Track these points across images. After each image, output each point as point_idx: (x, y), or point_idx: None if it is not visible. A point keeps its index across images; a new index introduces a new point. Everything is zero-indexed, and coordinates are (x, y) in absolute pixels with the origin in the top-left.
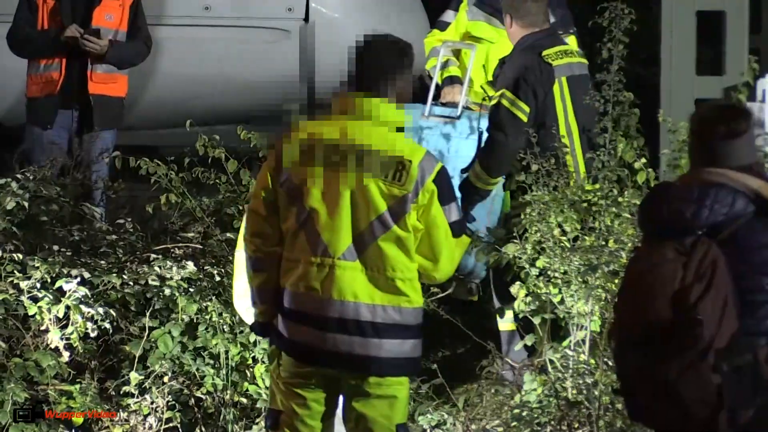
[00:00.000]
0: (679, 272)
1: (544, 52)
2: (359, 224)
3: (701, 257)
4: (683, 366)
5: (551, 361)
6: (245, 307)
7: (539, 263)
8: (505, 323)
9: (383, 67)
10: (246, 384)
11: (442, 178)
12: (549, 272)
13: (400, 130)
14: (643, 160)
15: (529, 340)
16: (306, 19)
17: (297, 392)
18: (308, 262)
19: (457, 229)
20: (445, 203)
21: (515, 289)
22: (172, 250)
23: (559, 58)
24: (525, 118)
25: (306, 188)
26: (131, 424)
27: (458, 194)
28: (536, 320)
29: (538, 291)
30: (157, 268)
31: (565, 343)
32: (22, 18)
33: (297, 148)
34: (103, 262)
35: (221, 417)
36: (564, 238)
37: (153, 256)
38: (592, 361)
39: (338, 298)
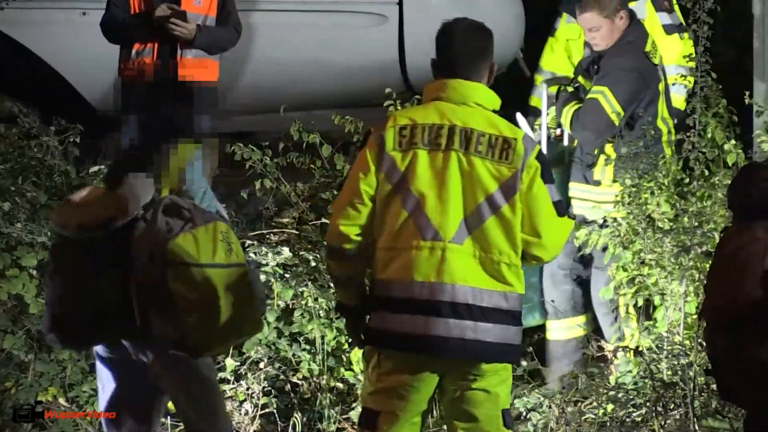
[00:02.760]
0: None
1: (647, 48)
2: (468, 206)
3: None
4: None
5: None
6: None
7: (635, 245)
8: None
9: (473, 50)
10: (342, 369)
11: (543, 157)
12: (643, 254)
13: (495, 113)
14: (733, 141)
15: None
16: (400, 3)
17: (399, 391)
18: (417, 247)
19: (561, 208)
20: (547, 182)
21: (612, 271)
22: (267, 236)
23: (654, 52)
24: (618, 122)
25: (413, 173)
26: (227, 410)
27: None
28: (631, 302)
29: (634, 273)
30: (252, 254)
31: (660, 325)
32: (115, 3)
33: (398, 134)
34: None
35: (317, 402)
36: (658, 219)
37: (248, 242)
38: (687, 341)
39: (449, 281)
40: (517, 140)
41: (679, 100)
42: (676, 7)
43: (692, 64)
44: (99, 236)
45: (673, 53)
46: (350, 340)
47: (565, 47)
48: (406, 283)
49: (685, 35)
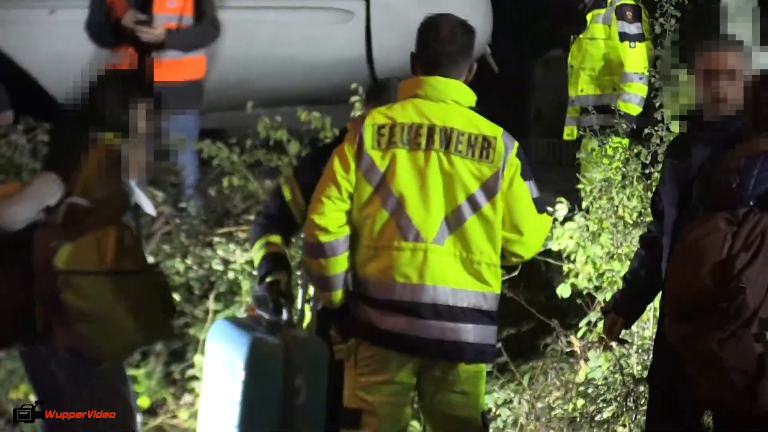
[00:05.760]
0: (727, 242)
1: None
2: (449, 206)
3: (751, 227)
4: (726, 335)
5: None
6: None
7: (602, 240)
8: None
9: (458, 48)
10: None
11: (522, 155)
12: (611, 249)
13: (472, 110)
14: None
15: (593, 316)
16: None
17: (380, 386)
18: (399, 248)
19: (540, 205)
20: (526, 179)
21: (580, 265)
22: (235, 234)
23: None
24: None
25: (393, 173)
26: (197, 408)
27: None
28: (600, 296)
29: (603, 268)
30: (220, 252)
31: None
32: (95, 5)
33: (377, 132)
34: (166, 246)
35: None
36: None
37: (216, 239)
38: None
39: (431, 283)
40: (496, 138)
41: (632, 107)
42: (644, 18)
43: (645, 71)
44: None
45: (631, 60)
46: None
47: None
48: (387, 284)
49: (642, 44)
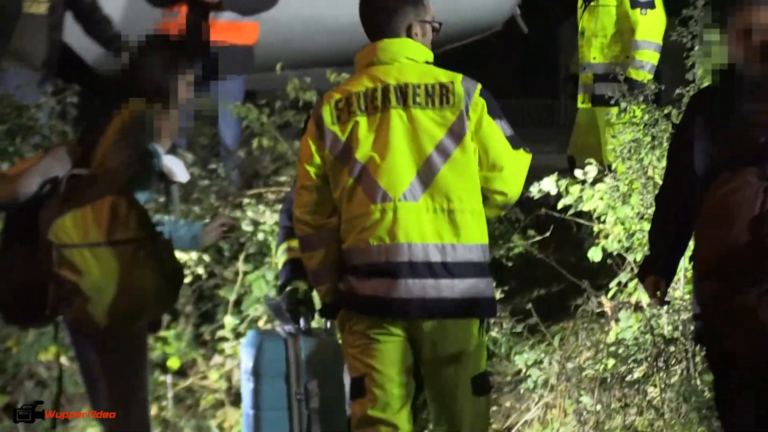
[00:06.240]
0: (759, 197)
1: None
2: (418, 160)
3: None
4: (763, 290)
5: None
6: None
7: (632, 201)
8: None
9: (389, 7)
10: None
11: (487, 94)
12: (641, 209)
13: (429, 64)
14: None
15: (624, 277)
16: None
17: (377, 349)
18: (369, 212)
19: (514, 142)
20: (496, 117)
21: (610, 226)
22: (264, 195)
23: None
24: None
25: (355, 141)
26: (227, 368)
27: None
28: (630, 257)
29: (632, 229)
30: (250, 213)
31: None
32: None
33: (335, 108)
34: (196, 207)
35: None
36: (656, 175)
37: (246, 200)
38: (688, 296)
39: (405, 240)
40: (454, 82)
41: (643, 75)
42: None
43: (659, 39)
44: (10, 211)
45: (642, 28)
46: None
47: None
48: (362, 249)
49: (654, 11)
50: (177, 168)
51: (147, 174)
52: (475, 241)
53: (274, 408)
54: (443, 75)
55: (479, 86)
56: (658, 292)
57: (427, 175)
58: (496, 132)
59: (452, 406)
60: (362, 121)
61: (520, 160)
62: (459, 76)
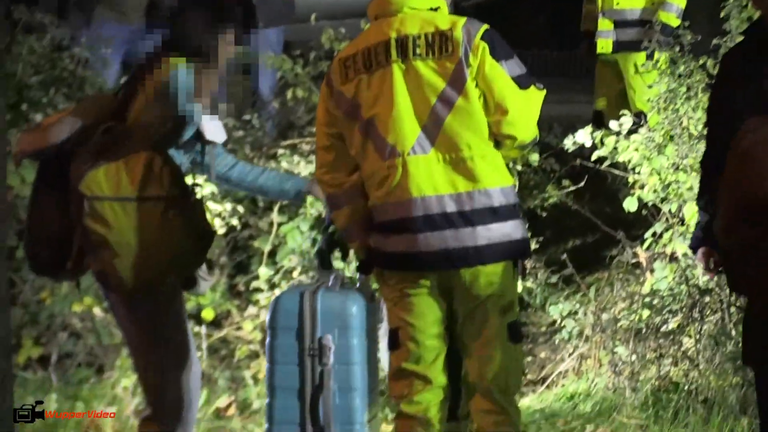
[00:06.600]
0: None
1: None
2: (423, 113)
3: None
4: None
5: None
6: None
7: (667, 151)
8: None
9: None
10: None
11: (492, 35)
12: (677, 160)
13: (434, 11)
14: None
15: (659, 227)
16: None
17: (409, 302)
18: (381, 169)
19: (524, 82)
20: (501, 58)
21: (645, 177)
22: (299, 146)
23: None
24: None
25: (361, 99)
26: (261, 320)
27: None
28: (665, 208)
29: (667, 179)
30: (284, 164)
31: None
32: None
33: (343, 66)
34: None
35: None
36: (691, 125)
37: (280, 151)
38: None
39: (418, 194)
40: (452, 29)
41: (672, 18)
42: None
43: None
44: (43, 162)
45: None
46: None
47: None
48: (380, 206)
49: None
50: (214, 128)
51: (182, 132)
52: (492, 186)
53: (285, 362)
54: (444, 22)
55: (482, 29)
56: (711, 263)
57: (433, 126)
58: (499, 74)
59: (489, 353)
60: (365, 78)
61: (530, 100)
62: (461, 22)
